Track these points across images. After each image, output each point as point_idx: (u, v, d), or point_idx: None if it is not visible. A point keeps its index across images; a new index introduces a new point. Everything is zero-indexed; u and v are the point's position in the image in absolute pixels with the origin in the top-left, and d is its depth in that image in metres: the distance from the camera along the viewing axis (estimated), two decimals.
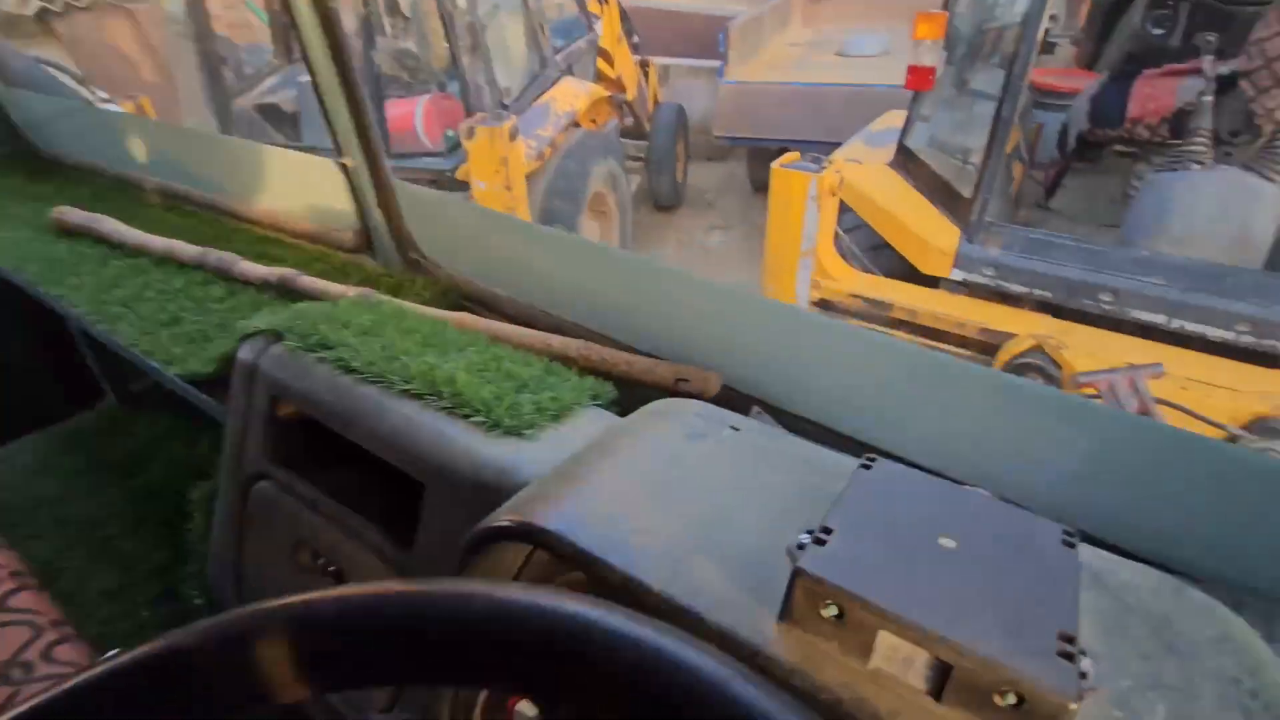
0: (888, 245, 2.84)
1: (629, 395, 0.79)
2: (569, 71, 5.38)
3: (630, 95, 5.96)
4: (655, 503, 0.48)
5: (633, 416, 0.62)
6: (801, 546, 0.39)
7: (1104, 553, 0.45)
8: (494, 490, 0.59)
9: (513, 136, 3.28)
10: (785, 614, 0.39)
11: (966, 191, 2.62)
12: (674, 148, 6.11)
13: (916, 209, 2.83)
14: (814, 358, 0.77)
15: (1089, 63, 3.93)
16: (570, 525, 0.45)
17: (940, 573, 0.36)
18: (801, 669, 0.36)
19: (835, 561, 0.37)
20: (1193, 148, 2.47)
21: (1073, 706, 0.31)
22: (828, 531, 0.39)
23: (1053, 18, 2.56)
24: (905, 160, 3.08)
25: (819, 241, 2.70)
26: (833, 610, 0.36)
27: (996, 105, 2.49)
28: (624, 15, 5.90)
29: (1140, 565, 0.44)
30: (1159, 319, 2.30)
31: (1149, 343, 2.29)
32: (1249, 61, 2.53)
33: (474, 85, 3.79)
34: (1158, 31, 3.23)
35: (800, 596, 0.37)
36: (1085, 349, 2.15)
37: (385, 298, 0.98)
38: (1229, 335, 2.20)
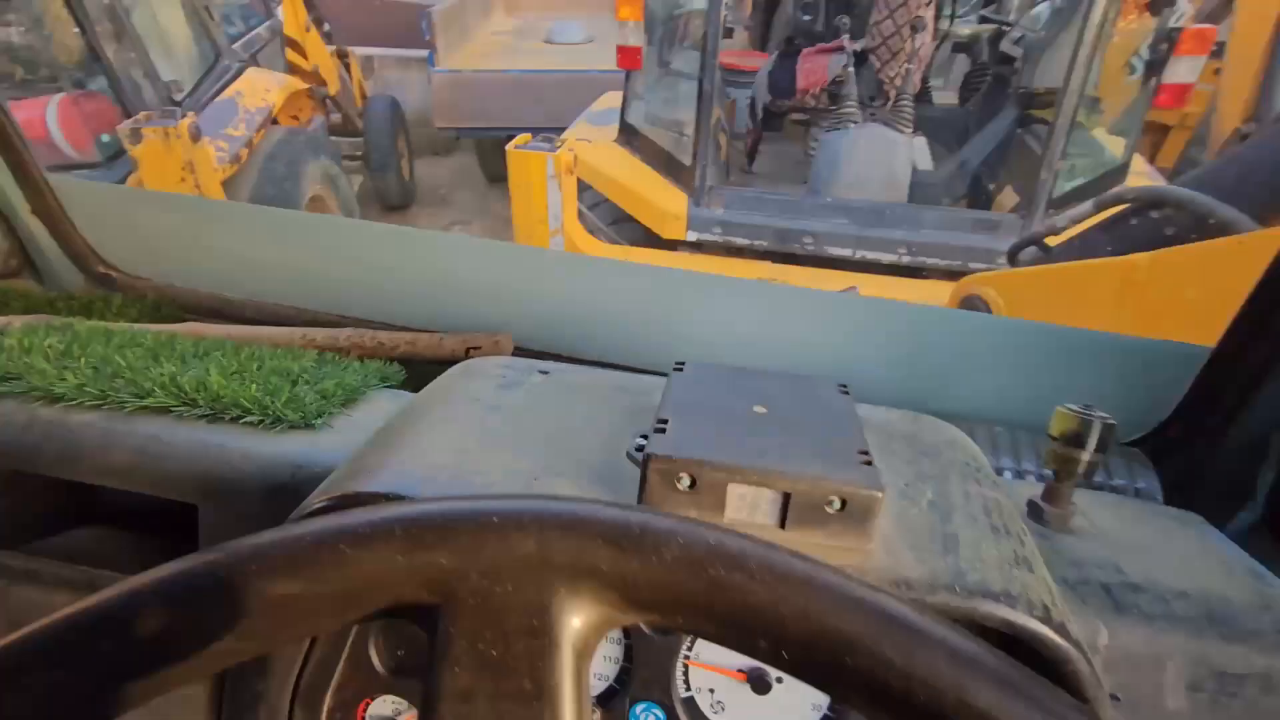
0: (629, 217, 3.02)
1: (418, 375, 0.74)
2: (253, 62, 4.76)
3: (333, 89, 5.45)
4: (486, 447, 0.47)
5: (436, 382, 0.59)
6: (640, 449, 0.43)
7: (864, 404, 0.54)
8: (290, 490, 0.51)
9: (195, 137, 2.79)
10: (642, 499, 0.41)
11: (687, 160, 2.89)
12: (394, 143, 5.76)
13: (647, 180, 3.05)
14: (598, 300, 0.79)
15: (760, 45, 4.54)
16: (403, 482, 0.42)
17: (761, 430, 0.44)
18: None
19: (678, 442, 0.42)
20: (846, 110, 3.01)
21: (879, 495, 0.39)
22: (664, 422, 0.44)
23: (727, 5, 2.92)
24: (629, 136, 3.28)
25: (565, 219, 2.76)
26: (686, 481, 0.39)
27: (698, 83, 2.78)
28: (309, 2, 5.34)
29: (888, 408, 0.55)
30: (846, 252, 2.79)
31: (846, 273, 2.77)
32: (871, 40, 3.14)
33: (127, 80, 3.15)
34: (806, 17, 3.85)
35: (655, 479, 0.40)
36: (802, 283, 2.54)
37: (73, 320, 0.78)
38: (894, 258, 2.76)
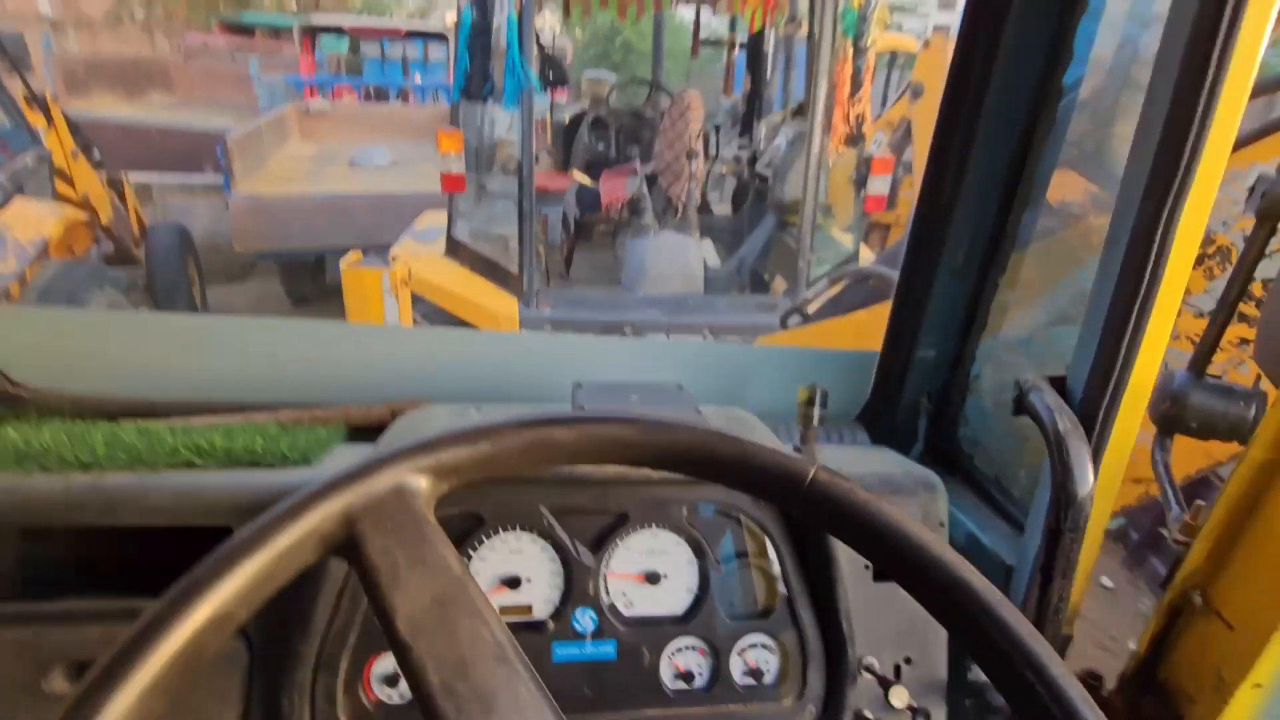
0: (464, 322, 3.27)
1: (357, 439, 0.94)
2: (18, 192, 4.39)
3: (104, 218, 5.09)
4: None
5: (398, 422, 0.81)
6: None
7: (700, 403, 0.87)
8: None
9: None
10: None
11: (514, 269, 3.24)
12: (183, 270, 5.47)
13: (478, 288, 3.34)
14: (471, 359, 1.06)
15: (563, 167, 5.17)
16: None
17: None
18: (604, 468, 0.67)
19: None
20: (645, 221, 3.60)
21: None
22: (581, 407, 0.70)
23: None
24: (456, 249, 3.58)
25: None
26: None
27: (519, 203, 3.19)
28: (74, 128, 5.04)
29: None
30: (661, 336, 3.27)
31: None
32: (658, 164, 3.82)
33: None
34: (600, 146, 4.53)
35: None
36: None
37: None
38: (699, 336, 3.29)
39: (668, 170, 3.80)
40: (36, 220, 4.03)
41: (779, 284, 3.97)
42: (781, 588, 0.78)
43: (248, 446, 0.75)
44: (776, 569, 0.78)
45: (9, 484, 0.68)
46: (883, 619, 0.79)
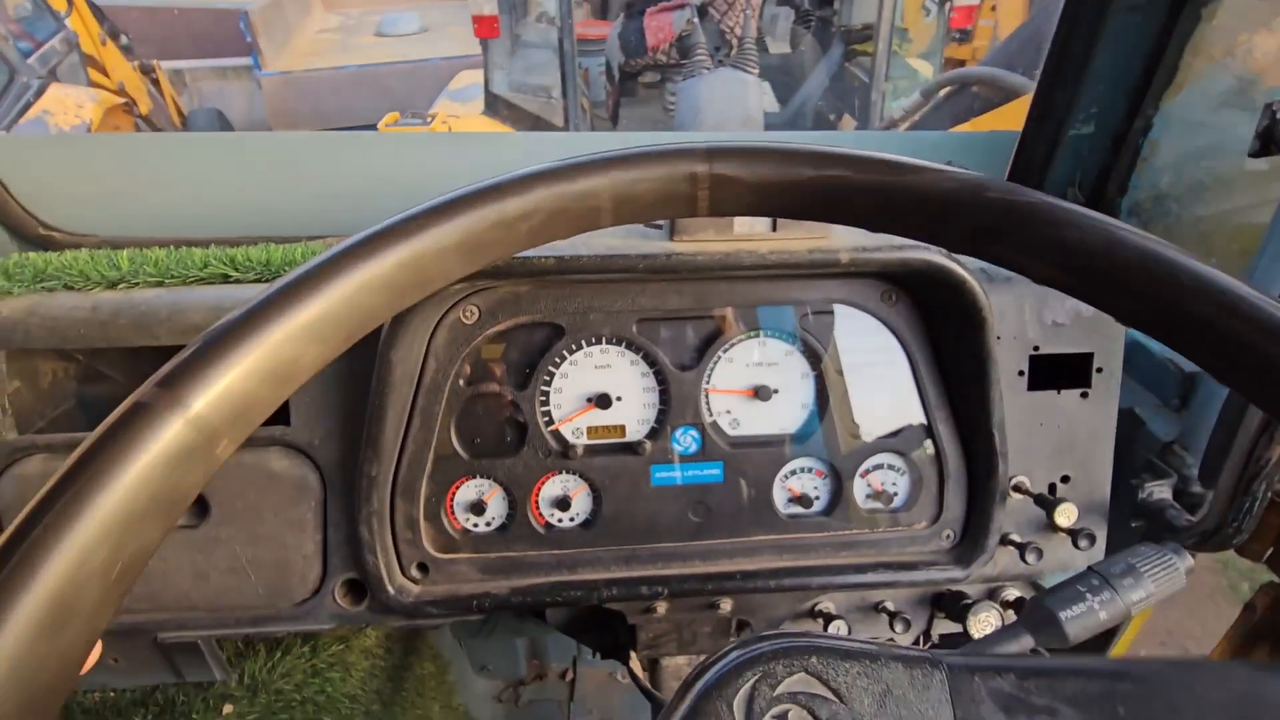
0: None
1: None
2: (53, 78, 4.29)
3: (143, 108, 4.97)
4: None
5: None
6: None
7: None
8: None
9: None
10: (675, 231, 0.55)
11: (559, 121, 3.00)
12: None
13: None
14: None
15: (601, 14, 4.69)
16: None
17: None
18: (698, 253, 0.54)
19: None
20: (698, 58, 3.24)
21: None
22: None
23: None
24: (496, 104, 3.34)
25: None
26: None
27: (559, 44, 2.89)
28: (100, 14, 4.83)
29: None
30: None
31: None
32: None
33: None
34: None
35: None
36: None
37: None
38: None
39: (720, 1, 3.38)
40: (76, 106, 3.96)
41: (846, 123, 3.59)
42: (915, 399, 0.66)
43: (288, 259, 0.65)
44: (909, 378, 0.65)
45: (33, 304, 0.60)
46: (1036, 433, 0.67)
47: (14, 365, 0.61)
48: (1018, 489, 0.66)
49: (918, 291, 0.63)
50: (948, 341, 0.63)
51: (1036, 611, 0.45)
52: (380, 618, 0.66)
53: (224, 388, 0.27)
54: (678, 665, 0.72)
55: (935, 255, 0.56)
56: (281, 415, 0.62)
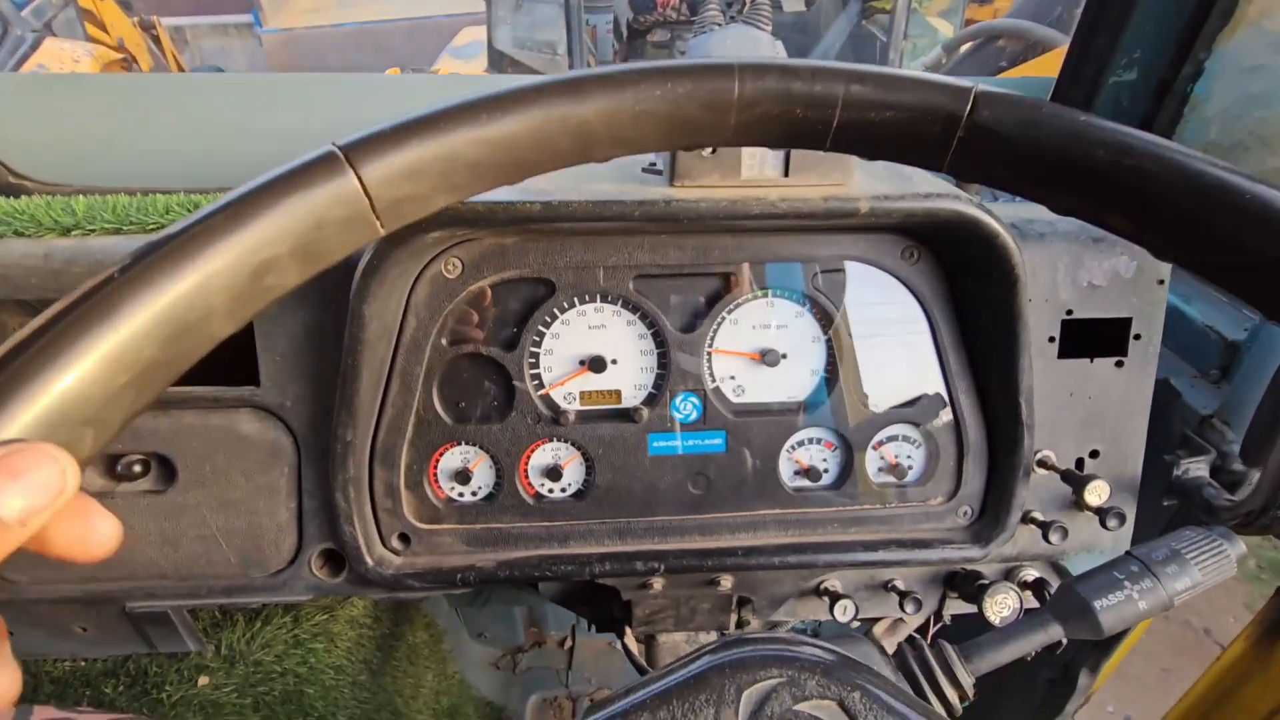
0: None
1: None
2: (48, 32, 4.20)
3: (144, 65, 4.87)
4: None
5: None
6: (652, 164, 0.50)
7: None
8: None
9: None
10: (675, 175, 0.50)
11: None
12: None
13: None
14: None
15: None
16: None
17: None
18: (701, 200, 0.49)
19: None
20: (709, 13, 3.11)
21: None
22: None
23: None
24: (500, 61, 3.23)
25: None
26: (708, 150, 0.48)
27: (564, 6, 2.78)
28: None
29: None
30: None
31: None
32: None
33: None
34: None
35: (683, 156, 0.48)
36: None
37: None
38: None
39: None
40: (72, 61, 3.87)
41: None
42: (935, 366, 0.61)
43: None
44: (928, 343, 0.60)
45: None
46: (1064, 404, 0.62)
47: None
48: (1042, 464, 0.61)
49: (942, 247, 0.57)
50: (973, 303, 0.58)
51: (1067, 599, 0.41)
52: (360, 590, 0.62)
53: None
54: (675, 642, 0.68)
55: (965, 206, 0.51)
56: (251, 375, 0.58)
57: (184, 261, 0.25)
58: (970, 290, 0.58)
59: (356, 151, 0.27)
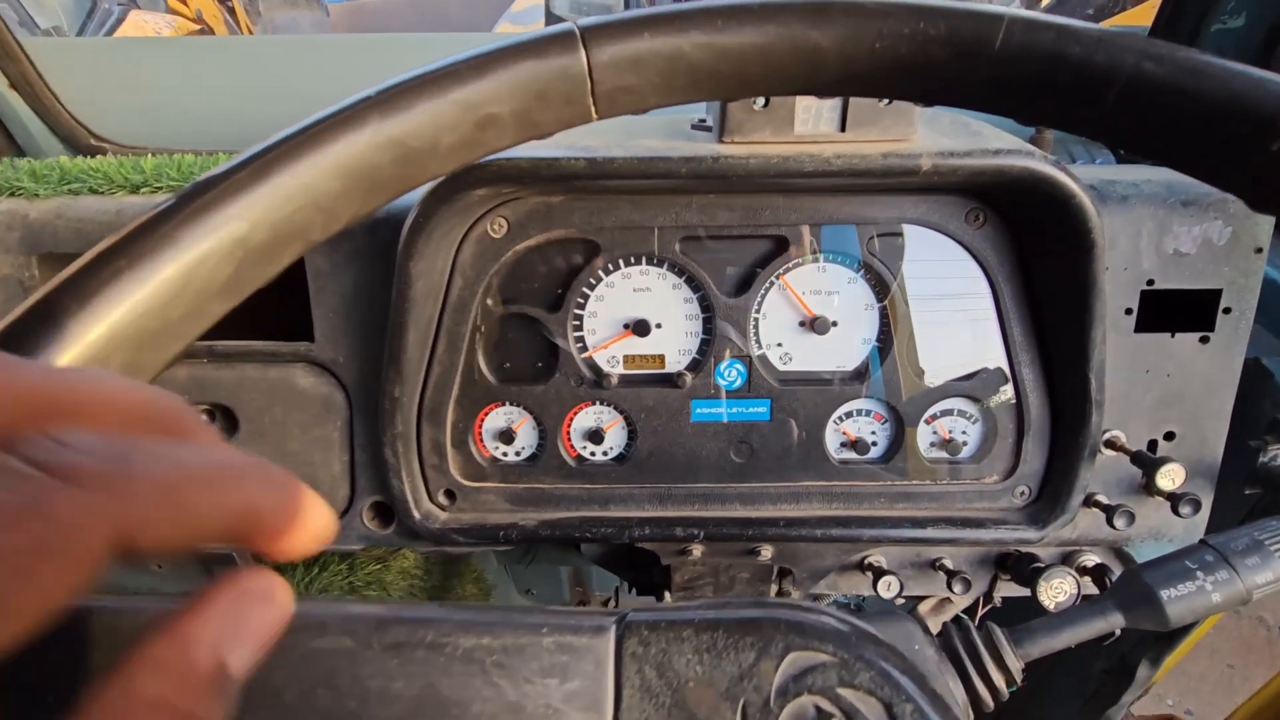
0: None
1: None
2: (132, 5, 4.38)
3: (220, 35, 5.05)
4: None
5: None
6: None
7: None
8: None
9: None
10: (724, 130, 0.48)
11: None
12: None
13: None
14: None
15: None
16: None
17: None
18: (751, 156, 0.47)
19: None
20: None
21: None
22: None
23: None
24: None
25: None
26: (760, 102, 0.46)
27: None
28: None
29: None
30: None
31: None
32: None
33: None
34: None
35: (734, 110, 0.46)
36: None
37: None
38: None
39: None
40: (154, 34, 4.04)
41: None
42: (997, 338, 0.57)
43: None
44: (991, 312, 0.57)
45: (60, 207, 0.59)
46: (1139, 381, 0.58)
47: (45, 270, 0.61)
48: (1111, 444, 0.58)
49: (1011, 210, 0.53)
50: (1043, 271, 0.54)
51: (1131, 586, 0.38)
52: (408, 542, 0.64)
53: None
54: None
55: (1040, 164, 0.47)
56: (306, 330, 0.59)
57: (426, 94, 0.27)
58: (1040, 257, 0.54)
59: (592, 34, 0.28)
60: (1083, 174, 0.51)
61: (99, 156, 0.66)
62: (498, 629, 0.27)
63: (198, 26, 4.71)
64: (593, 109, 0.29)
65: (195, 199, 0.26)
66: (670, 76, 0.28)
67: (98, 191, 0.60)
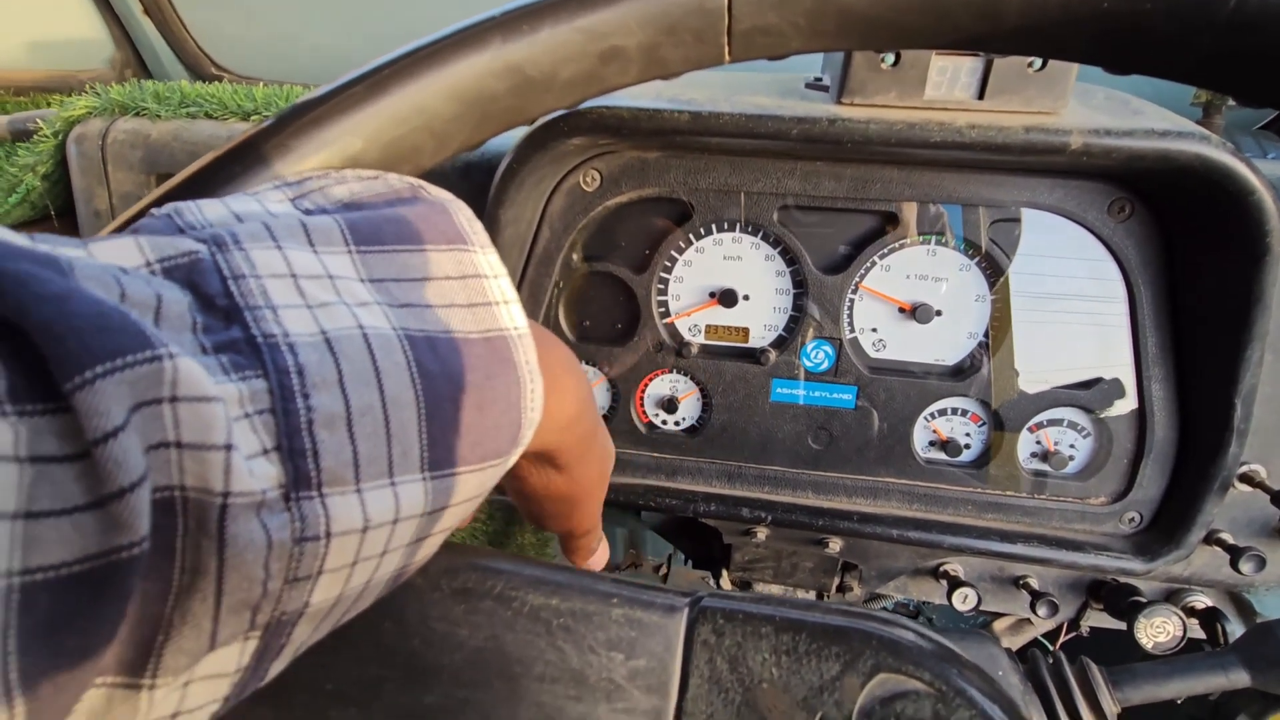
0: None
1: None
2: None
3: None
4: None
5: None
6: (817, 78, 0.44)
7: None
8: None
9: None
10: (844, 90, 0.43)
11: None
12: None
13: None
14: None
15: None
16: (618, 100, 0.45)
17: None
18: (871, 120, 0.42)
19: None
20: None
21: None
22: None
23: None
24: None
25: None
26: (890, 59, 0.41)
27: None
28: None
29: None
30: None
31: None
32: None
33: None
34: None
35: (860, 59, 0.42)
36: None
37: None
38: None
39: None
40: None
41: None
42: (1126, 345, 0.51)
43: None
44: (1124, 317, 0.51)
45: (178, 129, 0.61)
46: None
47: None
48: (1247, 478, 0.51)
49: (1166, 202, 0.47)
50: (1196, 276, 0.48)
51: (1265, 643, 0.33)
52: None
53: None
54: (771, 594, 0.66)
55: (1215, 150, 0.41)
56: None
57: (551, 18, 0.25)
58: (1194, 259, 0.48)
59: None
60: (1266, 169, 0.44)
61: (216, 84, 0.68)
62: (566, 592, 0.26)
63: None
64: (726, 50, 0.26)
65: (310, 111, 0.25)
66: (817, 18, 0.24)
67: (213, 116, 0.62)
